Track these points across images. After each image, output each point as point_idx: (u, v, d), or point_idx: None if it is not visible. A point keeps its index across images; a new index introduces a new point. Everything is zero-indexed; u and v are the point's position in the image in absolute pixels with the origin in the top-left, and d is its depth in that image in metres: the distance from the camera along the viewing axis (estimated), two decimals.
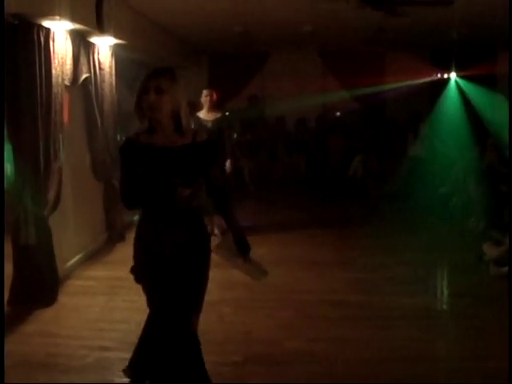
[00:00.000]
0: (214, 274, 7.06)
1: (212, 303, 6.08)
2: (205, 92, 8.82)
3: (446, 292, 6.76)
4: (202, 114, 8.80)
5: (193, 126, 8.38)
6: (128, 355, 4.95)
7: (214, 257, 7.58)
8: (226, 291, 6.56)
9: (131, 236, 8.73)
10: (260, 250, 8.15)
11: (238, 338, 5.36)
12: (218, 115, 8.82)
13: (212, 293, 6.38)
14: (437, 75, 14.70)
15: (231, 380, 4.64)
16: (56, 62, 6.29)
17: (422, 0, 8.04)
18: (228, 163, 8.73)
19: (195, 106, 11.93)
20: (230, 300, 6.30)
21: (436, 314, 6.05)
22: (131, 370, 4.23)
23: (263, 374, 4.71)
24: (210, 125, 8.70)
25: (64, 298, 6.41)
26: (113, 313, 6.07)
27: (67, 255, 7.26)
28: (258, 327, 5.60)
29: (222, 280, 6.88)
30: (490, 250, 7.46)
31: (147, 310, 5.91)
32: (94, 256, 7.99)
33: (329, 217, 10.38)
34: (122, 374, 4.74)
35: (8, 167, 7.04)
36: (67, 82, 6.74)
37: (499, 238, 7.53)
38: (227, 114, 9.15)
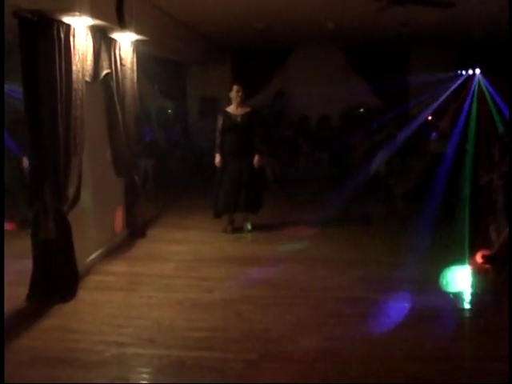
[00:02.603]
0: (233, 272, 7.18)
1: (231, 301, 6.18)
2: (235, 88, 8.89)
3: (465, 290, 6.66)
4: (231, 109, 8.91)
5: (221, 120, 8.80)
6: (143, 351, 5.02)
7: (234, 256, 7.67)
8: (245, 289, 6.58)
9: (151, 233, 8.95)
10: (279, 247, 8.25)
11: (255, 336, 5.34)
12: (247, 110, 8.90)
13: (231, 290, 6.50)
14: (461, 71, 14.56)
15: (245, 377, 4.62)
16: (76, 58, 6.31)
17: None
18: (256, 158, 8.83)
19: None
20: (248, 297, 6.29)
21: (455, 314, 5.97)
22: None
23: (277, 372, 4.68)
24: (239, 119, 8.80)
25: (83, 293, 6.44)
26: (130, 308, 6.08)
27: (87, 250, 7.29)
28: (276, 325, 5.57)
29: (241, 278, 6.95)
30: (495, 236, 7.54)
31: (163, 307, 6.02)
32: (114, 252, 8.01)
33: (350, 215, 10.32)
34: (137, 369, 4.79)
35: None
36: (88, 78, 6.77)
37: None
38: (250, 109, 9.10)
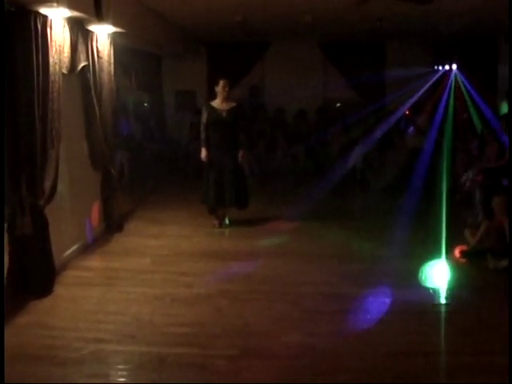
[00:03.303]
0: (211, 267, 7.13)
1: (210, 296, 6.15)
2: (222, 83, 8.80)
3: (443, 285, 6.68)
4: (216, 104, 8.87)
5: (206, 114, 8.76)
6: (123, 348, 4.96)
7: (212, 251, 7.63)
8: (224, 284, 6.54)
9: (128, 227, 8.87)
10: (258, 242, 8.23)
11: (235, 331, 5.31)
12: (233, 105, 8.89)
13: (210, 285, 6.46)
14: (438, 66, 14.63)
15: (227, 373, 4.59)
16: (53, 49, 6.21)
17: None
18: (241, 153, 8.86)
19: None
20: (227, 292, 6.25)
21: (434, 308, 5.99)
22: None
23: (259, 368, 4.66)
24: (224, 114, 8.77)
25: (60, 289, 6.36)
26: (109, 304, 6.00)
27: (64, 245, 7.19)
28: (256, 320, 5.55)
29: (220, 272, 6.91)
30: (470, 238, 7.59)
31: (142, 302, 5.96)
32: (91, 246, 7.92)
33: (328, 209, 10.32)
34: (117, 366, 4.74)
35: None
36: (65, 70, 6.68)
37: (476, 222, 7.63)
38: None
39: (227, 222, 9.10)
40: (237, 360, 4.77)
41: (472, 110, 13.73)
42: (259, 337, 5.20)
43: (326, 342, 5.11)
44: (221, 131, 8.72)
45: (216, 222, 9.05)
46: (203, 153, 8.83)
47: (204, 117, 8.83)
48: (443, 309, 6.06)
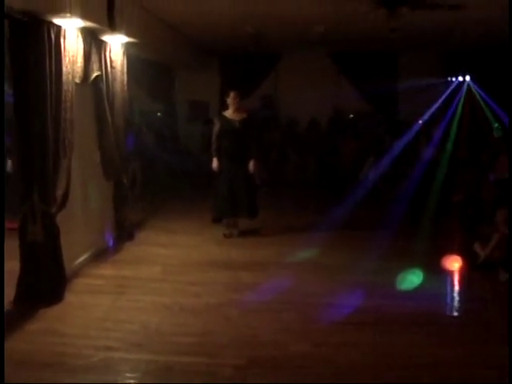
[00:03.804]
0: (220, 277, 7.15)
1: (218, 305, 6.16)
2: (232, 94, 8.95)
3: (454, 297, 6.67)
4: (229, 114, 8.97)
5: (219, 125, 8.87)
6: (131, 356, 4.98)
7: (221, 261, 7.65)
8: (232, 293, 6.55)
9: (139, 236, 8.91)
10: (268, 251, 8.24)
11: (243, 341, 5.32)
12: (244, 116, 8.98)
13: (219, 295, 6.47)
14: (451, 78, 14.61)
15: (233, 382, 4.61)
16: (67, 59, 6.28)
17: (432, 4, 7.98)
18: (252, 163, 8.91)
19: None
20: (235, 302, 6.27)
21: (444, 320, 5.97)
22: None
23: (266, 377, 4.67)
24: (237, 124, 8.87)
25: (71, 296, 6.40)
26: (118, 312, 6.03)
27: (75, 253, 7.24)
28: (263, 330, 5.55)
29: (229, 282, 6.92)
30: (480, 250, 7.56)
31: (151, 311, 5.99)
32: (102, 255, 7.97)
33: (339, 219, 10.30)
34: (125, 374, 4.76)
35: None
36: (78, 80, 6.73)
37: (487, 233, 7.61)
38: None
39: (237, 232, 9.12)
40: (243, 369, 4.78)
41: (492, 120, 13.66)
42: (267, 346, 5.21)
43: (334, 353, 5.11)
44: (233, 141, 8.80)
45: (227, 231, 9.09)
46: (214, 163, 8.90)
47: (216, 127, 8.93)
48: (453, 320, 6.04)
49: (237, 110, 8.94)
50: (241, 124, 8.87)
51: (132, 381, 4.72)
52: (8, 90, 6.25)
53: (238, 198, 8.86)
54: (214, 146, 8.95)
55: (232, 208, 8.90)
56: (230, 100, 8.94)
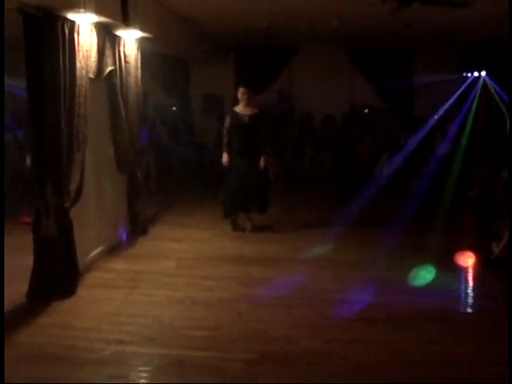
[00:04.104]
0: (234, 271, 7.16)
1: (231, 300, 6.17)
2: (241, 90, 8.97)
3: (467, 294, 6.65)
4: (239, 109, 8.97)
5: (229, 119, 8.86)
6: (143, 350, 5.00)
7: (234, 255, 7.67)
8: (245, 288, 6.56)
9: (153, 230, 8.94)
10: (281, 247, 8.24)
11: (254, 336, 5.33)
12: (255, 111, 8.95)
13: (231, 290, 6.48)
14: (466, 73, 14.52)
15: (244, 377, 4.61)
16: (80, 54, 6.30)
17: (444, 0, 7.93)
18: (262, 158, 8.87)
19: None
20: (248, 297, 6.27)
21: (456, 317, 5.93)
22: None
23: (277, 373, 4.68)
24: (246, 120, 8.86)
25: (83, 290, 6.43)
26: (131, 306, 6.05)
27: (88, 247, 7.28)
28: (275, 325, 5.56)
29: (242, 277, 6.93)
30: (496, 248, 7.53)
31: (164, 305, 6.01)
32: (115, 249, 8.00)
33: (353, 215, 10.28)
34: (137, 368, 4.78)
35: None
36: (92, 75, 6.76)
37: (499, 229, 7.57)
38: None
39: (251, 226, 9.12)
40: (254, 364, 4.79)
41: (505, 116, 13.55)
42: (278, 342, 5.21)
43: (345, 349, 5.11)
44: (242, 136, 8.80)
45: (234, 226, 9.16)
46: (224, 157, 8.93)
47: (227, 122, 8.97)
48: (465, 317, 6.01)
49: (247, 105, 8.92)
50: (250, 119, 8.85)
51: (144, 374, 4.75)
52: (8, 81, 6.23)
53: (248, 192, 8.85)
54: (225, 141, 8.96)
55: (241, 203, 8.91)
56: (239, 95, 8.96)
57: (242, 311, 5.89)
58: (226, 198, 9.05)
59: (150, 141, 12.89)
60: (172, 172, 13.72)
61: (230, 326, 5.53)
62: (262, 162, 8.89)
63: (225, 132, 8.98)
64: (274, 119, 14.76)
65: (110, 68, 7.40)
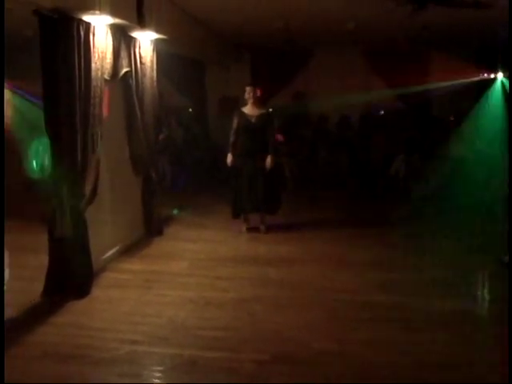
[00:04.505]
0: (246, 272, 7.18)
1: (244, 300, 6.19)
2: (247, 89, 8.94)
3: (481, 296, 6.62)
4: (247, 110, 8.94)
5: (236, 120, 8.81)
6: (156, 350, 5.04)
7: (248, 256, 7.68)
8: (258, 289, 6.58)
9: (168, 231, 8.97)
10: (295, 247, 8.25)
11: (267, 336, 5.34)
12: (262, 111, 8.92)
13: (244, 290, 6.50)
14: (483, 75, 14.43)
15: (255, 378, 4.63)
16: (96, 56, 6.34)
17: (462, 2, 7.89)
18: (269, 159, 8.81)
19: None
20: (261, 298, 6.28)
21: (470, 319, 5.90)
22: None
23: (288, 374, 4.69)
24: (253, 120, 8.82)
25: (98, 291, 6.47)
26: (145, 306, 6.09)
27: (103, 248, 7.33)
28: (287, 326, 5.57)
29: (255, 278, 6.95)
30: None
31: (177, 305, 6.04)
32: (130, 249, 8.05)
33: (369, 216, 10.29)
34: (150, 368, 4.81)
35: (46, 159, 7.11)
36: (107, 76, 6.80)
37: None
38: (271, 110, 9.21)
39: (264, 227, 9.13)
40: (266, 365, 4.80)
41: None
42: (290, 342, 5.22)
43: (357, 350, 5.10)
44: (250, 136, 8.78)
45: (243, 227, 9.15)
46: (229, 158, 8.94)
47: (234, 122, 8.93)
48: (482, 320, 5.98)
49: (254, 104, 8.88)
50: (258, 119, 8.81)
51: (157, 373, 4.78)
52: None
53: (255, 193, 8.85)
54: (231, 141, 8.95)
55: (249, 204, 8.93)
56: (246, 95, 8.92)
57: (255, 312, 5.91)
58: (235, 198, 9.06)
59: (166, 142, 12.94)
60: (188, 173, 13.74)
61: (243, 327, 5.55)
62: (268, 163, 8.81)
63: (231, 132, 8.96)
64: (289, 120, 14.77)
65: (125, 69, 7.44)
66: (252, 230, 9.14)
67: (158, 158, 9.97)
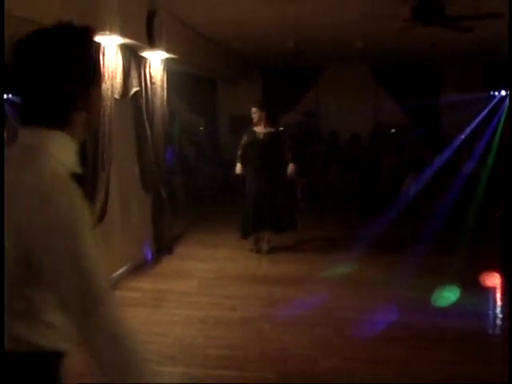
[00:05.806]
0: (256, 291, 7.18)
1: (251, 319, 6.18)
2: (252, 109, 9.02)
3: (491, 315, 6.58)
4: (257, 128, 9.02)
5: (246, 137, 8.91)
6: (164, 368, 5.03)
7: (257, 275, 7.68)
8: (266, 308, 6.58)
9: (178, 250, 8.99)
10: (304, 266, 8.24)
11: (274, 355, 5.34)
12: (271, 130, 8.99)
13: (252, 309, 6.51)
14: (493, 92, 14.44)
15: None
16: (106, 76, 6.41)
17: (471, 15, 7.91)
18: (291, 166, 9.01)
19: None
20: (269, 316, 6.28)
21: (478, 337, 5.87)
22: None
23: None
24: (261, 136, 8.91)
25: None
26: (153, 325, 6.09)
27: (113, 266, 7.34)
28: (295, 344, 5.56)
29: (264, 297, 6.94)
30: None
31: (186, 324, 6.04)
32: (140, 268, 8.07)
33: (379, 234, 10.25)
34: None
35: None
36: (117, 96, 6.86)
37: None
38: (281, 129, 9.28)
39: (267, 247, 9.11)
40: (272, 383, 4.79)
41: None
42: (297, 361, 5.22)
43: (364, 368, 5.09)
44: (259, 153, 8.83)
45: (254, 247, 9.14)
46: (238, 167, 9.02)
47: (244, 139, 9.01)
48: (488, 339, 5.95)
49: (265, 125, 8.94)
50: (266, 136, 8.89)
51: None
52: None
53: (263, 212, 8.86)
54: (239, 154, 9.03)
55: (257, 223, 8.92)
56: (252, 115, 8.99)
57: (263, 330, 5.91)
58: (243, 218, 9.08)
59: (177, 161, 12.99)
60: (199, 191, 13.79)
61: (250, 345, 5.55)
62: (290, 170, 8.97)
63: (240, 147, 9.05)
64: (300, 138, 14.80)
65: (135, 89, 7.51)
66: (258, 250, 9.14)
67: (169, 177, 10.00)
